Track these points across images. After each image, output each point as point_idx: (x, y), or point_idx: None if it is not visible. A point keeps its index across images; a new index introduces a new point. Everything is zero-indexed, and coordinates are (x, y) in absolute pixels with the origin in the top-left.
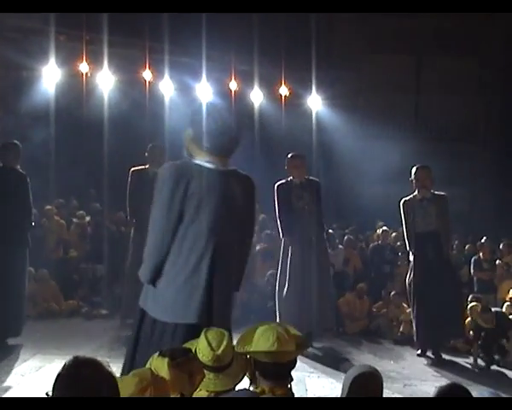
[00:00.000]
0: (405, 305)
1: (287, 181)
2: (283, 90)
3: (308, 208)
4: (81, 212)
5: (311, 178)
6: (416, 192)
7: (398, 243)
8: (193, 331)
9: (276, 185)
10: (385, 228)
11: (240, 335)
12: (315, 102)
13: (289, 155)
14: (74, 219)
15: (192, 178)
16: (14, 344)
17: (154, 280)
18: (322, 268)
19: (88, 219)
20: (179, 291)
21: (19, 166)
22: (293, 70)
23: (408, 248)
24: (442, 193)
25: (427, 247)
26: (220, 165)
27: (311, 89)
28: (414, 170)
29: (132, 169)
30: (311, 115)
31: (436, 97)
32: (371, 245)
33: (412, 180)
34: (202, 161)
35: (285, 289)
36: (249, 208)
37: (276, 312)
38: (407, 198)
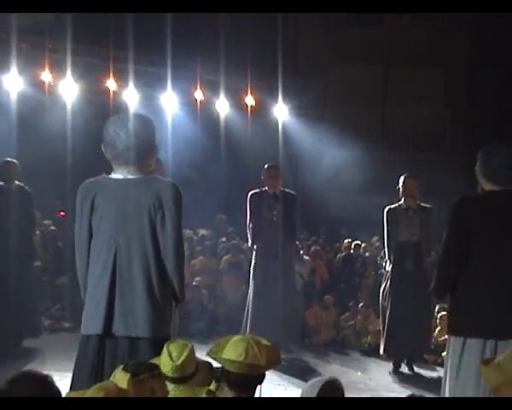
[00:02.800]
0: (373, 315)
1: (260, 191)
2: (249, 100)
3: (277, 219)
4: (47, 221)
5: (286, 190)
6: (402, 201)
7: (367, 254)
8: (107, 342)
9: (249, 194)
10: (357, 242)
11: (210, 345)
12: (281, 112)
13: (265, 166)
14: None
15: (98, 192)
16: None
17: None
18: (287, 279)
19: (53, 228)
20: (90, 303)
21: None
22: (260, 79)
23: (387, 257)
24: (428, 205)
25: (407, 257)
26: (128, 174)
27: (277, 98)
28: (402, 179)
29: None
30: (278, 125)
31: (403, 107)
32: (341, 255)
33: (399, 189)
34: (114, 173)
35: (250, 301)
36: (166, 215)
37: (245, 323)
38: (392, 206)
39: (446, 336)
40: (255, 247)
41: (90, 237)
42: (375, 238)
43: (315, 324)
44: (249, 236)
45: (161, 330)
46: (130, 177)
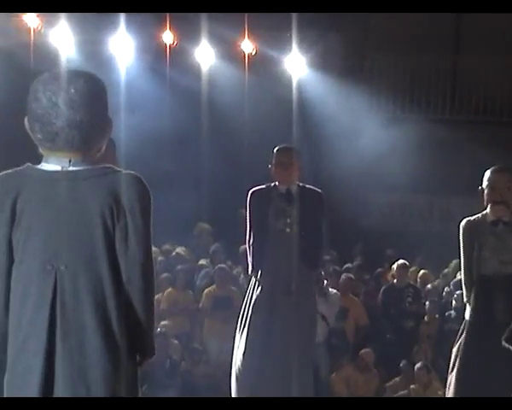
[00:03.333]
0: (437, 383)
1: (267, 187)
2: (247, 46)
3: (292, 232)
4: None
5: (307, 186)
6: (488, 210)
7: (428, 287)
8: None
9: (249, 193)
10: (403, 261)
11: None
12: (296, 64)
13: (275, 149)
14: None
15: (20, 194)
16: None
17: (5, 350)
18: (304, 327)
19: None
20: (16, 365)
21: None
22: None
23: (465, 299)
24: None
25: (499, 300)
26: (69, 164)
27: (290, 44)
28: (487, 174)
29: None
30: (291, 84)
31: (481, 60)
32: (386, 287)
33: (482, 190)
34: (45, 161)
35: (241, 359)
36: (129, 225)
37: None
38: (471, 218)
39: None
40: (258, 275)
41: (11, 261)
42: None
43: (346, 394)
44: (249, 257)
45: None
46: (72, 168)
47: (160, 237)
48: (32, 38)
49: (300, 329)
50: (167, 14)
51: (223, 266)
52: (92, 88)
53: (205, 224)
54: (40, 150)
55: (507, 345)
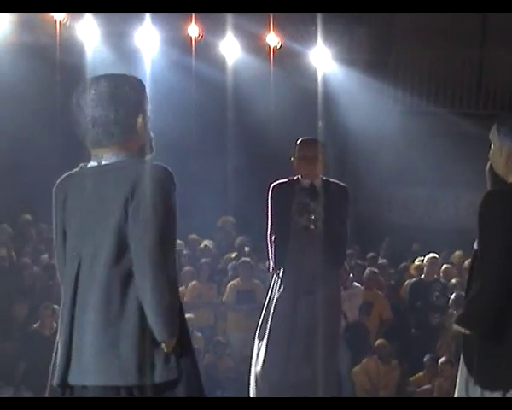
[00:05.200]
0: None
1: (290, 181)
2: (272, 39)
3: (316, 228)
4: None
5: (331, 180)
6: None
7: (453, 281)
8: (76, 392)
9: (271, 186)
10: (433, 254)
11: None
12: (322, 58)
13: (298, 141)
14: None
15: (70, 190)
16: None
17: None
18: (328, 327)
19: None
20: (60, 338)
21: None
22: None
23: None
24: None
25: None
26: (107, 159)
27: (315, 37)
28: None
29: None
30: (316, 77)
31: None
32: (409, 282)
33: None
34: (91, 159)
35: (262, 353)
36: (140, 208)
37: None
38: None
39: None
40: (280, 272)
41: (64, 251)
42: (467, 258)
43: (369, 386)
44: (270, 254)
45: (125, 377)
46: (104, 163)
47: (185, 229)
48: (58, 31)
49: (324, 329)
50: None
51: (247, 259)
52: (115, 87)
53: (229, 217)
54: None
55: (458, 327)
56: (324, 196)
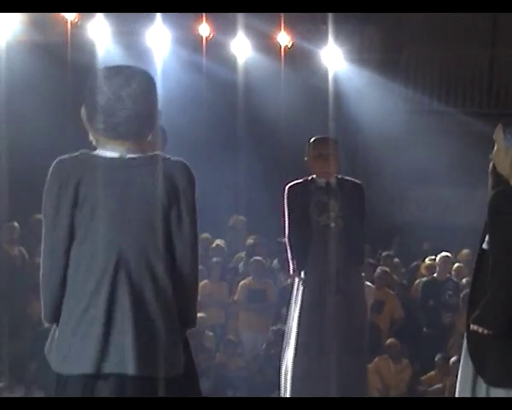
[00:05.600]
0: None
1: (305, 181)
2: (283, 39)
3: (336, 226)
4: None
5: (346, 178)
6: None
7: (464, 281)
8: (98, 384)
9: (286, 187)
10: (445, 253)
11: None
12: (333, 57)
13: (312, 140)
14: None
15: (84, 177)
16: None
17: (56, 319)
18: (353, 324)
19: None
20: (75, 330)
21: None
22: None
23: None
24: None
25: None
26: (128, 152)
27: (326, 37)
28: None
29: None
30: (327, 77)
31: None
32: (421, 280)
33: None
34: (103, 149)
35: (291, 357)
36: (183, 210)
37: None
38: None
39: None
40: (302, 275)
41: (71, 240)
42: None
43: (380, 386)
44: (290, 257)
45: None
46: (129, 156)
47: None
48: (69, 30)
49: (354, 328)
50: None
51: (258, 258)
52: (148, 83)
53: (240, 216)
54: (93, 138)
55: (475, 327)
56: (341, 193)
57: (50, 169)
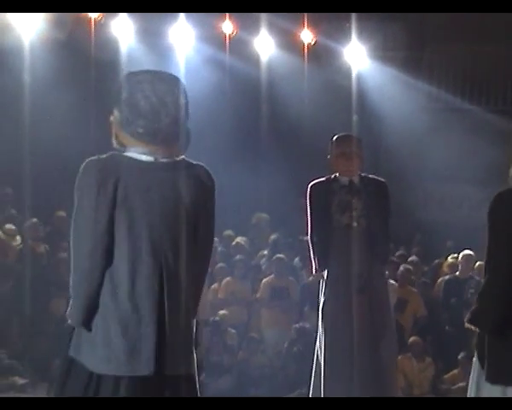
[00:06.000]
0: None
1: (328, 180)
2: (306, 36)
3: (359, 225)
4: (10, 226)
5: (370, 176)
6: None
7: None
8: (141, 384)
9: (309, 186)
10: (468, 252)
11: None
12: (356, 55)
13: (335, 138)
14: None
15: (121, 179)
16: None
17: (87, 321)
18: (377, 324)
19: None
20: (123, 331)
21: None
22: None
23: None
24: None
25: None
26: (161, 156)
27: (349, 34)
28: None
29: None
30: (350, 74)
31: None
32: (444, 279)
33: None
34: (136, 152)
35: (323, 357)
36: (204, 211)
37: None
38: None
39: None
40: (324, 275)
41: (109, 238)
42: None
43: (403, 384)
44: (312, 256)
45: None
46: (163, 160)
47: (221, 226)
48: (93, 28)
49: (378, 327)
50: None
51: (281, 256)
52: (185, 92)
53: (263, 213)
54: (121, 141)
55: (469, 326)
56: (364, 192)
57: (83, 169)
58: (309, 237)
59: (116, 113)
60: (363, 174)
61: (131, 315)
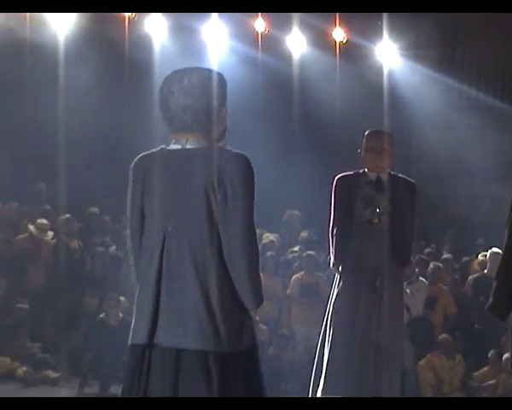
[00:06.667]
0: None
1: (355, 174)
2: (338, 34)
3: (381, 223)
4: (42, 221)
5: (399, 175)
6: None
7: None
8: (159, 354)
9: (335, 179)
10: (496, 249)
11: None
12: (387, 53)
13: (366, 133)
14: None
15: (149, 168)
16: None
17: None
18: (388, 326)
19: (51, 234)
20: (135, 307)
21: None
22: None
23: None
24: None
25: None
26: (186, 144)
27: (380, 32)
28: None
29: None
30: (382, 72)
31: None
32: (473, 277)
33: None
34: (172, 143)
35: (327, 351)
36: (228, 195)
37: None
38: None
39: None
40: (340, 268)
41: (142, 225)
42: None
43: (434, 382)
44: (332, 249)
45: (218, 342)
46: (188, 147)
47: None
48: (127, 25)
49: (387, 329)
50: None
51: (311, 252)
52: (205, 80)
53: (294, 210)
54: (168, 134)
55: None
56: (391, 190)
57: (131, 167)
58: (330, 229)
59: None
60: (392, 172)
61: (139, 291)
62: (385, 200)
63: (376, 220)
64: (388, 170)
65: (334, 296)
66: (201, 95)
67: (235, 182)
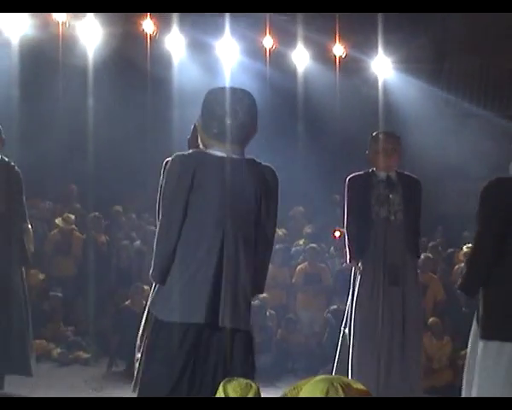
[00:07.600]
0: None
1: (366, 173)
2: (338, 50)
3: (396, 220)
4: (68, 215)
5: (406, 173)
6: None
7: None
8: (202, 332)
9: (348, 179)
10: None
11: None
12: (382, 66)
13: (374, 134)
14: (59, 223)
15: (198, 168)
16: None
17: (164, 279)
18: (411, 314)
19: (74, 227)
20: (186, 288)
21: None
22: (351, 22)
23: None
24: None
25: None
26: (232, 153)
27: (376, 47)
28: None
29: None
30: (377, 84)
31: None
32: (459, 266)
33: None
34: (212, 149)
35: (356, 344)
36: (268, 203)
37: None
38: None
39: None
40: (359, 265)
41: (184, 217)
42: None
43: (424, 360)
44: (348, 245)
45: (248, 322)
46: (234, 157)
47: None
48: (148, 43)
49: (409, 320)
50: (267, 19)
51: (313, 245)
52: (253, 103)
53: (299, 207)
54: (204, 142)
55: (460, 292)
56: (400, 187)
57: (171, 160)
58: (345, 227)
59: (199, 120)
60: (399, 171)
61: (192, 276)
62: (397, 197)
63: (393, 217)
64: (396, 170)
65: (356, 291)
66: (254, 115)
67: (275, 194)
